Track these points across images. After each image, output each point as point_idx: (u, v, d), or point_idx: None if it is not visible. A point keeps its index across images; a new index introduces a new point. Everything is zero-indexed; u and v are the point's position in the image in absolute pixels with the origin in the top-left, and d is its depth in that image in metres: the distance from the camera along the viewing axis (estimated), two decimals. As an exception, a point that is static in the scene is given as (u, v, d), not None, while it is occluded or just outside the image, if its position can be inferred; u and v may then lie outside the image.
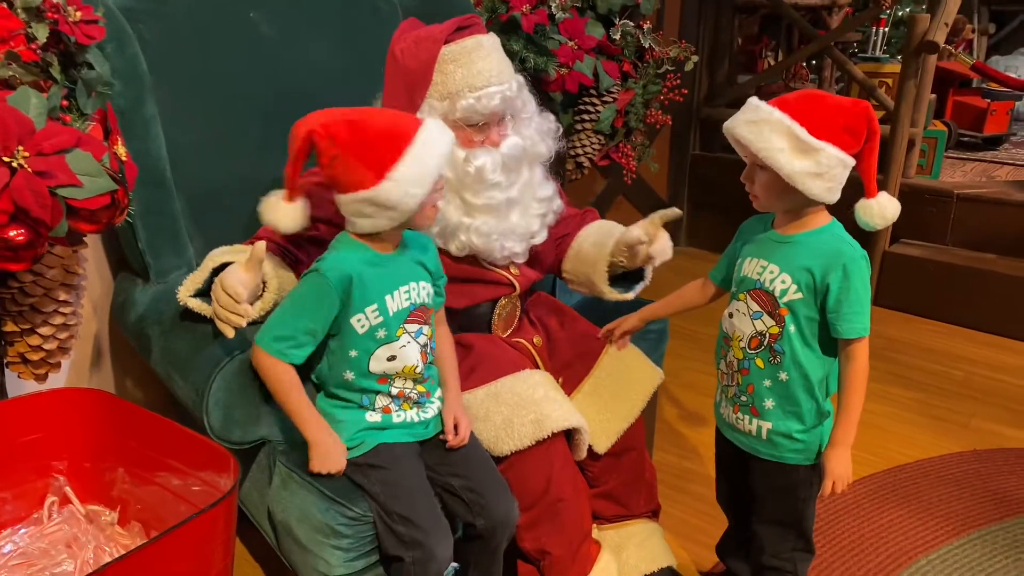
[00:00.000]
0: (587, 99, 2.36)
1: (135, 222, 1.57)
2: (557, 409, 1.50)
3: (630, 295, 1.73)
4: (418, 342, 1.39)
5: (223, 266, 1.40)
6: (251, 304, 1.38)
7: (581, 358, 1.70)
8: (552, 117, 1.70)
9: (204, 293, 1.44)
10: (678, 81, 2.47)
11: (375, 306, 1.32)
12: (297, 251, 1.52)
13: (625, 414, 1.66)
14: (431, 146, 1.25)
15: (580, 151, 2.42)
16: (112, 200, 1.10)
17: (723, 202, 3.84)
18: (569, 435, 1.56)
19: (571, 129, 2.41)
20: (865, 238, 1.45)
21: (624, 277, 1.76)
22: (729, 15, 3.82)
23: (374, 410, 1.39)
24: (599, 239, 1.72)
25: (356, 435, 1.38)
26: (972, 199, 3.28)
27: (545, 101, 2.33)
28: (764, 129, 1.31)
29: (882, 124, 1.52)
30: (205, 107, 1.69)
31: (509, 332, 1.72)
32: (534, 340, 1.69)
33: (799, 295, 1.37)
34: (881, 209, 1.39)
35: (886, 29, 3.83)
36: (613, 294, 1.71)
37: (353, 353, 1.35)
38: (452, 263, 1.58)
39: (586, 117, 2.37)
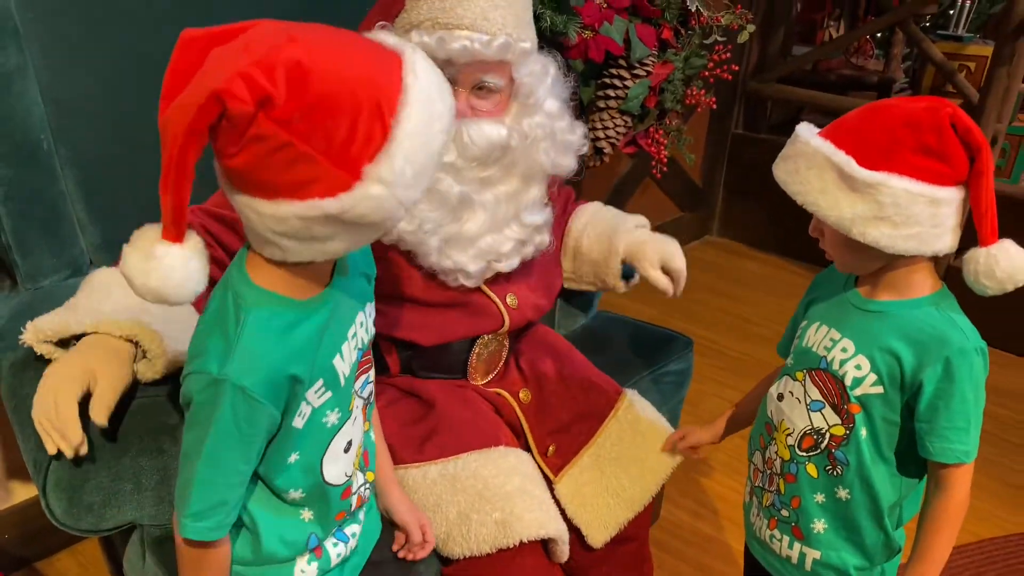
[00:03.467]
0: (614, 71, 1.92)
1: (-3, 208, 1.20)
2: (532, 510, 1.11)
3: (625, 287, 1.49)
4: (362, 397, 0.93)
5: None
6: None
7: (581, 420, 1.30)
8: (581, 131, 1.29)
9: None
10: (728, 55, 2.03)
11: (320, 383, 0.82)
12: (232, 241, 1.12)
13: (631, 500, 1.27)
14: (431, 105, 0.68)
15: (601, 134, 1.99)
16: None
17: (763, 190, 3.44)
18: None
19: (592, 106, 1.98)
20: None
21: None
22: (790, -24, 3.31)
23: (307, 551, 0.91)
24: (603, 231, 1.45)
25: None
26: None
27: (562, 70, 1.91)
28: (800, 165, 0.95)
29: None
30: (109, 57, 1.29)
31: (489, 379, 1.32)
32: (519, 395, 1.29)
33: (878, 388, 0.98)
34: (1010, 264, 0.94)
35: (972, 3, 3.31)
36: (622, 287, 1.48)
37: (294, 458, 0.84)
38: (423, 280, 1.19)
39: (611, 93, 1.94)
